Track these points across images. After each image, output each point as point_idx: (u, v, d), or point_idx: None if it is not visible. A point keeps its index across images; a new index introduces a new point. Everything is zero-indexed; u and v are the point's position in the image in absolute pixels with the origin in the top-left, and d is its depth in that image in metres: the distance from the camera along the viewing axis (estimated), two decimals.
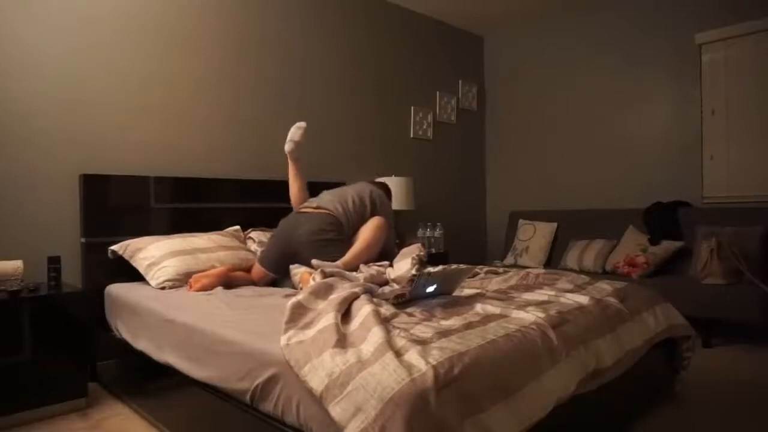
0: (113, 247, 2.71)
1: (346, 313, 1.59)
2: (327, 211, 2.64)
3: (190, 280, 2.50)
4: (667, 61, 4.09)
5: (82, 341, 2.34)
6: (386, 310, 1.62)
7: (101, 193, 2.80)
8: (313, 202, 2.76)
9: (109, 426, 2.13)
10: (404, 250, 2.49)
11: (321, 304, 1.69)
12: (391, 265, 2.44)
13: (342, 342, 1.38)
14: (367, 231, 2.59)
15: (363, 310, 1.55)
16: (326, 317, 1.51)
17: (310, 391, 1.28)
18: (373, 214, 2.74)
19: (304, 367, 1.31)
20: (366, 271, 2.32)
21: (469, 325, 1.54)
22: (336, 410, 1.19)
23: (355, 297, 1.69)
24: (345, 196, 2.75)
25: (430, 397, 1.13)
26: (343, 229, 2.62)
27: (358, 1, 4.21)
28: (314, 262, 2.35)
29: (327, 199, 2.75)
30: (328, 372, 1.26)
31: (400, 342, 1.33)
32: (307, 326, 1.52)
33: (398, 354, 1.27)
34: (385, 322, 1.50)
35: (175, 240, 2.76)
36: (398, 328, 1.47)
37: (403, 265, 2.28)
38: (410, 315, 1.65)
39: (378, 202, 2.81)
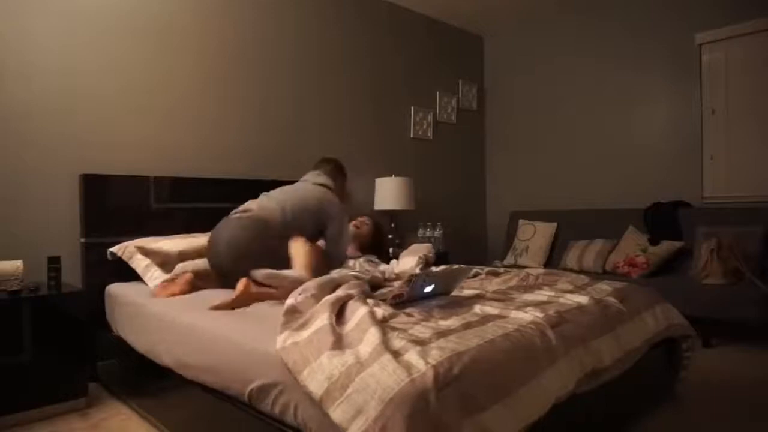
0: (113, 249, 2.70)
1: (339, 314, 1.58)
2: (260, 216, 2.45)
3: (158, 287, 2.38)
4: (667, 61, 4.09)
5: (82, 341, 2.34)
6: (384, 310, 1.62)
7: (101, 193, 2.80)
8: (254, 203, 2.58)
9: (109, 426, 2.13)
10: (414, 246, 2.47)
11: (315, 305, 1.68)
12: (396, 258, 2.42)
13: (338, 343, 1.38)
14: (300, 257, 2.24)
15: (358, 311, 1.55)
16: (320, 318, 1.51)
17: (308, 394, 1.27)
18: (324, 224, 2.58)
19: (303, 372, 1.31)
20: (359, 266, 2.30)
21: (467, 326, 1.54)
22: (337, 413, 1.19)
23: (349, 297, 1.69)
24: (285, 202, 2.56)
25: (430, 397, 1.13)
26: (277, 232, 2.40)
27: (357, 0, 4.21)
28: (262, 273, 2.04)
29: (266, 199, 2.57)
30: (327, 375, 1.26)
31: (399, 342, 1.33)
32: (301, 327, 1.51)
33: (397, 354, 1.27)
34: (382, 322, 1.50)
35: (176, 240, 2.76)
36: (397, 328, 1.47)
37: (410, 261, 2.28)
38: (409, 315, 1.65)
39: (330, 210, 2.62)
